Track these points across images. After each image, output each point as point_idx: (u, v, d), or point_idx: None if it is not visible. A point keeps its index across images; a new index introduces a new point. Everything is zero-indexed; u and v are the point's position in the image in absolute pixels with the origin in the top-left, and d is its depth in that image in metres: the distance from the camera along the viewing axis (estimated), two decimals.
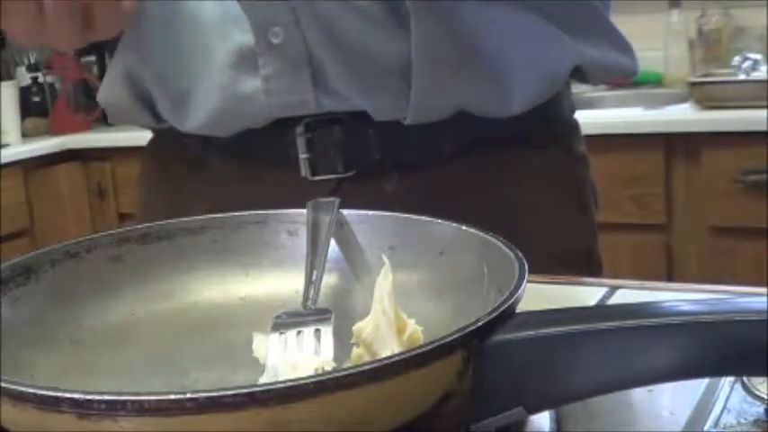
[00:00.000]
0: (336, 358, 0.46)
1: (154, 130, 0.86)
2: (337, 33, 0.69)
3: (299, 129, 0.73)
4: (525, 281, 0.42)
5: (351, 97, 0.71)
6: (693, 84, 2.04)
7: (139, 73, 0.78)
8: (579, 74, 0.78)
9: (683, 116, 1.99)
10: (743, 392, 0.45)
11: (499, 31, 0.71)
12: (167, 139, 0.82)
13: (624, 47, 0.80)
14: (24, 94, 2.78)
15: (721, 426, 0.44)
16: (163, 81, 0.76)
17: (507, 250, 0.47)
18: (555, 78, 0.77)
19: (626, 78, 0.85)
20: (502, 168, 0.76)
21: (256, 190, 0.75)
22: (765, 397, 0.44)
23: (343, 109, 0.72)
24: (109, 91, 0.83)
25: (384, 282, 0.46)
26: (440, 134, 0.73)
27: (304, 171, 0.74)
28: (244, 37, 0.71)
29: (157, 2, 0.74)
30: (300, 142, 0.73)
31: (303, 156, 0.73)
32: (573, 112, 0.85)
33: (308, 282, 0.51)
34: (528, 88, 0.74)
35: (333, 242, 0.55)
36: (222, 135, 0.75)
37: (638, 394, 0.47)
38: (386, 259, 0.47)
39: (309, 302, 0.50)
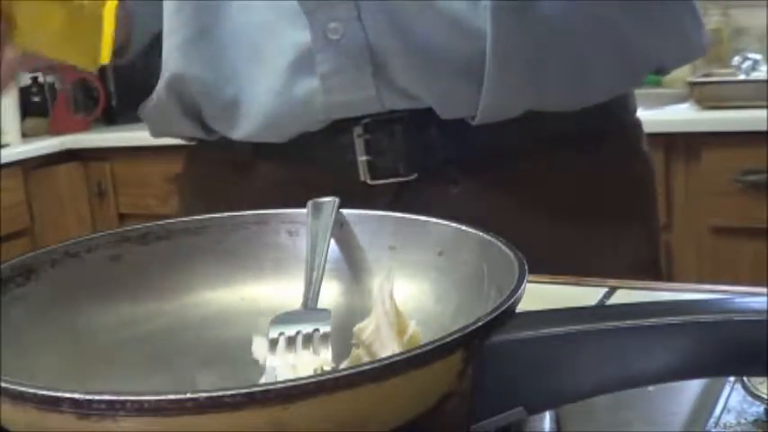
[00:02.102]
0: (336, 359, 0.46)
1: (195, 142, 0.83)
2: (405, 26, 0.66)
3: (358, 130, 0.70)
4: (525, 281, 0.42)
5: (416, 93, 0.68)
6: (693, 84, 2.04)
7: (185, 83, 0.75)
8: (659, 71, 0.76)
9: (683, 116, 1.99)
10: (743, 392, 0.45)
11: (579, 29, 0.69)
12: (213, 146, 0.79)
13: (697, 25, 0.76)
14: (24, 94, 2.79)
15: (721, 426, 0.44)
16: (210, 90, 0.74)
17: (507, 250, 0.47)
18: (634, 76, 0.74)
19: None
20: (569, 169, 0.73)
21: (309, 197, 0.72)
22: (765, 397, 0.44)
23: (407, 107, 0.69)
24: (155, 106, 0.80)
25: (386, 283, 0.46)
26: (505, 133, 0.70)
27: (363, 175, 0.71)
28: (297, 36, 0.68)
29: (197, 8, 0.72)
30: (359, 144, 0.70)
31: (362, 158, 0.70)
32: (635, 110, 0.82)
33: (308, 282, 0.51)
34: (604, 85, 0.71)
35: (333, 242, 0.55)
36: (276, 141, 0.73)
37: (638, 394, 0.47)
38: (388, 261, 0.47)
39: (309, 303, 0.50)
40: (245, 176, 0.77)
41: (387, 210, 0.57)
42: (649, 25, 0.72)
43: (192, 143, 0.84)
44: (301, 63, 0.69)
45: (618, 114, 0.78)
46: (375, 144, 0.70)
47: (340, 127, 0.70)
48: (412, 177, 0.70)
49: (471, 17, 0.65)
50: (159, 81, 0.78)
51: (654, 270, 0.79)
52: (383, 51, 0.67)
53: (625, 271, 0.68)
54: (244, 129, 0.73)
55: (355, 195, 0.65)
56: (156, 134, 0.84)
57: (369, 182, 0.71)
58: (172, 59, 0.75)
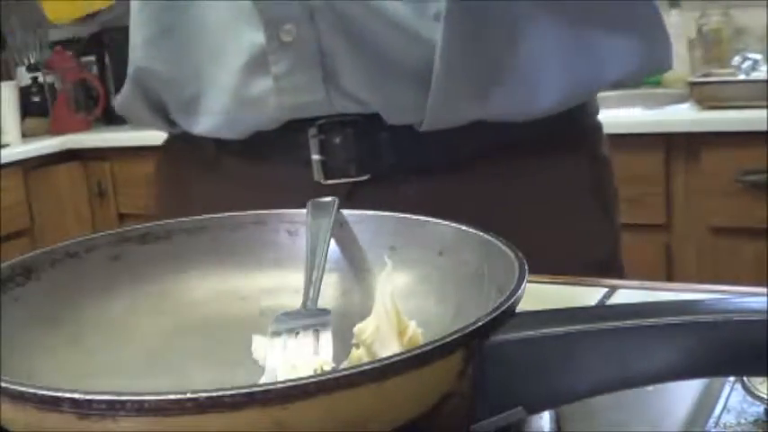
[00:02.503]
0: (336, 358, 0.46)
1: (168, 135, 0.86)
2: (355, 32, 0.67)
3: (312, 130, 0.71)
4: (525, 281, 0.42)
5: (364, 98, 0.69)
6: (693, 84, 2.04)
7: (149, 79, 0.77)
8: (616, 85, 0.76)
9: (683, 116, 1.99)
10: (743, 392, 0.45)
11: (533, 41, 0.69)
12: (180, 140, 0.81)
13: (661, 42, 0.76)
14: (24, 94, 2.79)
15: (721, 426, 0.44)
16: (173, 86, 0.76)
17: (507, 250, 0.47)
18: (587, 91, 0.75)
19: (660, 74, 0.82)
20: (523, 173, 0.74)
21: (269, 193, 0.72)
22: (765, 397, 0.44)
23: (357, 110, 0.70)
24: (123, 99, 0.82)
25: (386, 283, 0.46)
26: (457, 139, 0.71)
27: (317, 174, 0.72)
28: (254, 36, 0.69)
29: (162, 7, 0.73)
30: (313, 144, 0.72)
31: (315, 158, 0.72)
32: (597, 113, 0.82)
33: (308, 282, 0.51)
34: (555, 97, 0.72)
35: (333, 242, 0.55)
36: (233, 138, 0.74)
37: (638, 394, 0.47)
38: (388, 260, 0.47)
39: (309, 302, 0.50)
40: (211, 171, 0.79)
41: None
42: (608, 40, 0.72)
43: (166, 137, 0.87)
44: (257, 63, 0.70)
45: (577, 118, 0.78)
46: (328, 145, 0.71)
47: (295, 127, 0.72)
48: (364, 178, 0.72)
49: (421, 25, 0.66)
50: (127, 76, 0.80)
51: (615, 269, 0.81)
52: (334, 55, 0.68)
53: (585, 270, 0.69)
54: (203, 125, 0.75)
55: (310, 193, 0.67)
56: (135, 125, 0.87)
57: (322, 181, 0.72)
58: (137, 54, 0.77)
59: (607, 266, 0.80)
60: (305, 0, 0.67)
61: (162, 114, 0.79)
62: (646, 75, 0.78)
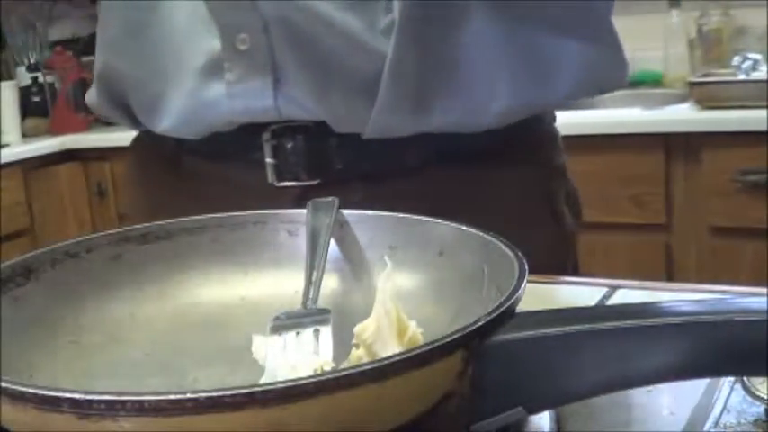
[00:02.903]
0: (336, 359, 0.46)
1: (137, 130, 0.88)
2: (306, 43, 0.69)
3: (266, 135, 0.74)
4: (525, 281, 0.42)
5: (311, 107, 0.71)
6: (693, 84, 2.04)
7: (114, 77, 0.79)
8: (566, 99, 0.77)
9: (682, 116, 1.99)
10: (743, 392, 0.45)
11: (479, 58, 0.70)
12: (146, 139, 0.84)
13: (613, 58, 0.77)
14: (24, 94, 2.79)
15: (721, 426, 0.44)
16: (137, 84, 0.78)
17: (507, 250, 0.47)
18: (534, 106, 0.76)
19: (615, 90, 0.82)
20: (471, 181, 0.75)
21: (226, 191, 0.76)
22: (765, 397, 0.44)
23: (304, 118, 0.72)
24: (90, 97, 0.85)
25: (387, 283, 0.46)
26: (403, 147, 0.73)
27: (270, 177, 0.75)
28: (213, 42, 0.72)
29: (130, 6, 0.75)
30: (267, 148, 0.74)
31: (269, 161, 0.74)
32: (553, 121, 0.83)
33: (308, 282, 0.51)
34: (500, 111, 0.72)
35: (333, 242, 0.55)
36: (192, 137, 0.77)
37: (638, 394, 0.47)
38: (388, 261, 0.47)
39: (309, 302, 0.50)
40: (173, 168, 0.81)
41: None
42: (555, 57, 0.73)
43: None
44: (212, 68, 0.72)
45: (532, 127, 0.79)
46: (280, 149, 0.74)
47: (251, 130, 0.74)
48: (314, 183, 0.74)
49: (370, 39, 0.68)
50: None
51: (570, 271, 0.82)
52: (285, 65, 0.70)
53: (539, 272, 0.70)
54: (164, 124, 0.77)
55: (265, 194, 0.73)
56: (105, 119, 0.89)
57: (275, 183, 0.75)
58: (103, 51, 0.80)
59: (564, 268, 0.82)
60: (261, 11, 0.69)
61: (127, 112, 0.81)
62: (596, 91, 0.79)
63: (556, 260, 0.81)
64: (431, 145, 0.73)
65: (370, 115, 0.70)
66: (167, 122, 0.77)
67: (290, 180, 0.74)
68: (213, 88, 0.73)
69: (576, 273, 0.84)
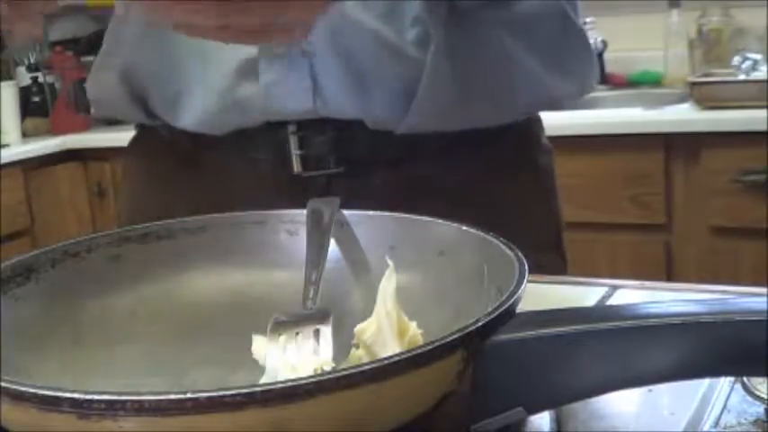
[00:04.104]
0: (336, 359, 0.46)
1: (141, 127, 0.88)
2: (344, 48, 0.71)
3: (291, 127, 0.75)
4: (525, 281, 0.42)
5: (348, 109, 0.73)
6: (693, 84, 2.04)
7: (135, 72, 0.80)
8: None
9: (682, 116, 1.99)
10: (743, 392, 0.45)
11: (508, 64, 0.75)
12: (156, 135, 0.84)
13: (589, 64, 0.83)
14: (24, 94, 2.78)
15: (721, 426, 0.44)
16: (158, 80, 0.79)
17: (507, 250, 0.47)
18: (557, 98, 0.82)
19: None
20: (485, 165, 0.79)
21: (249, 186, 0.77)
22: (765, 397, 0.44)
23: (340, 117, 0.74)
24: (101, 87, 0.85)
25: (388, 283, 0.46)
26: (426, 136, 0.75)
27: (296, 167, 0.76)
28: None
29: None
30: (293, 140, 0.75)
31: (296, 152, 0.75)
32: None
33: (308, 282, 0.51)
34: (527, 107, 0.79)
35: (333, 242, 0.55)
36: (216, 134, 0.77)
37: (638, 394, 0.47)
38: (390, 261, 0.47)
39: (309, 302, 0.50)
40: (188, 164, 0.81)
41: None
42: (536, 69, 0.77)
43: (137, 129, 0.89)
44: (246, 69, 0.73)
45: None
46: (307, 140, 0.75)
47: (275, 124, 0.75)
48: (340, 170, 0.76)
49: (402, 45, 0.71)
50: (104, 64, 0.84)
51: (557, 252, 0.86)
52: (323, 69, 0.72)
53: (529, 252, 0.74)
54: (185, 120, 0.78)
55: (289, 185, 0.75)
56: (98, 114, 0.91)
57: (302, 174, 0.76)
58: (125, 48, 0.80)
59: (551, 248, 0.85)
60: None
61: (142, 106, 0.81)
62: (572, 99, 0.84)
63: (551, 239, 0.86)
64: (442, 133, 0.76)
65: (406, 116, 0.72)
66: (189, 119, 0.77)
67: (316, 169, 0.76)
68: (245, 88, 0.74)
69: (564, 258, 0.87)
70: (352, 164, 0.76)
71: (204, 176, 0.81)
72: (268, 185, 0.76)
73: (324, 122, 0.74)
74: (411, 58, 0.71)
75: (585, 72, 0.82)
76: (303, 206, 0.58)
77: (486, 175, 0.80)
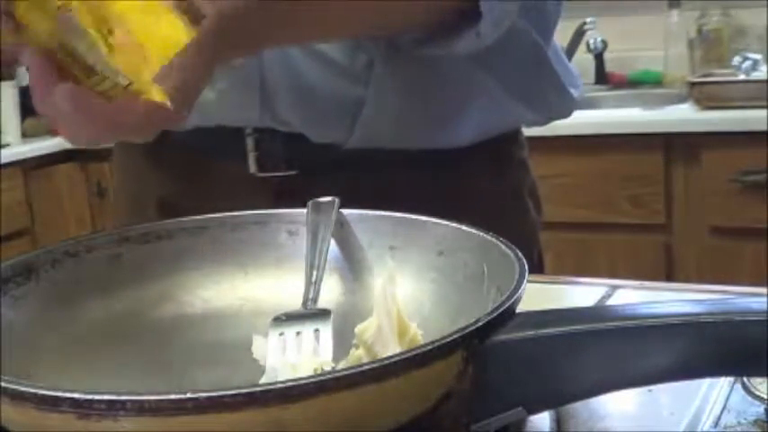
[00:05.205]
0: (336, 358, 0.46)
1: None
2: (293, 66, 0.74)
3: (248, 129, 0.77)
4: (525, 281, 0.42)
5: (294, 123, 0.75)
6: (693, 84, 2.04)
7: None
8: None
9: (682, 116, 1.99)
10: (743, 392, 0.45)
11: (453, 91, 0.77)
12: None
13: (562, 92, 0.83)
14: (24, 94, 2.78)
15: (721, 426, 0.44)
16: None
17: (507, 250, 0.47)
18: (510, 125, 0.82)
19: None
20: (442, 175, 0.80)
21: (206, 182, 0.79)
22: (765, 397, 0.44)
23: (285, 130, 0.76)
24: None
25: (388, 284, 0.46)
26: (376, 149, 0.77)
27: (252, 167, 0.78)
28: None
29: None
30: (249, 141, 0.77)
31: (252, 153, 0.78)
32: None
33: (308, 282, 0.51)
34: (471, 135, 0.78)
35: (333, 242, 0.55)
36: (174, 130, 0.78)
37: (638, 394, 0.47)
38: (390, 261, 0.47)
39: (309, 302, 0.50)
40: (155, 162, 0.84)
41: (273, 200, 0.73)
42: (498, 95, 0.79)
43: None
44: None
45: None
46: (262, 142, 0.78)
47: (233, 126, 0.78)
48: (293, 172, 0.78)
49: (350, 66, 0.74)
50: None
51: (536, 262, 0.86)
52: (272, 84, 0.74)
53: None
54: None
55: (244, 184, 0.77)
56: None
57: (257, 174, 0.78)
58: None
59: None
60: None
61: None
62: (542, 123, 0.84)
63: (523, 251, 0.84)
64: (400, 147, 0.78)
65: (351, 133, 0.75)
66: None
67: (271, 171, 0.78)
68: (204, 92, 0.75)
69: (541, 264, 0.88)
70: (304, 168, 0.78)
71: (165, 173, 0.83)
72: (223, 184, 0.78)
73: (275, 130, 0.77)
74: (357, 78, 0.74)
75: (554, 101, 0.83)
76: (262, 206, 0.58)
77: (448, 183, 0.80)
